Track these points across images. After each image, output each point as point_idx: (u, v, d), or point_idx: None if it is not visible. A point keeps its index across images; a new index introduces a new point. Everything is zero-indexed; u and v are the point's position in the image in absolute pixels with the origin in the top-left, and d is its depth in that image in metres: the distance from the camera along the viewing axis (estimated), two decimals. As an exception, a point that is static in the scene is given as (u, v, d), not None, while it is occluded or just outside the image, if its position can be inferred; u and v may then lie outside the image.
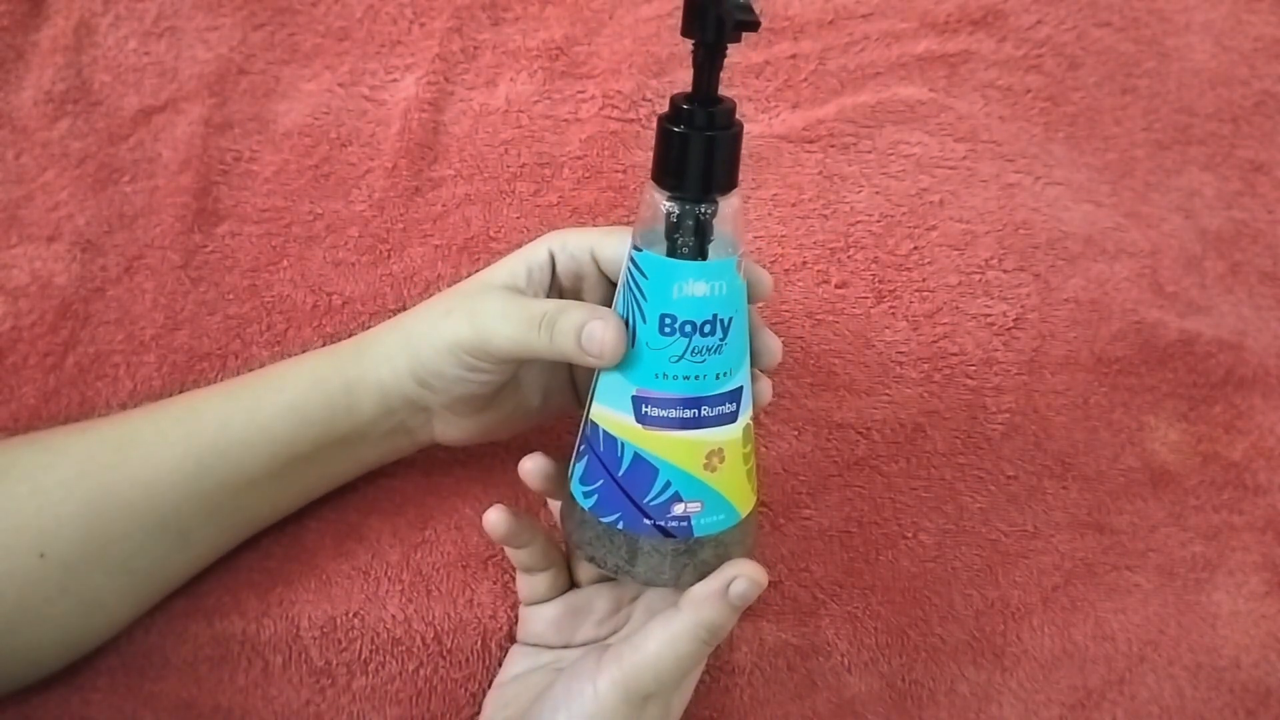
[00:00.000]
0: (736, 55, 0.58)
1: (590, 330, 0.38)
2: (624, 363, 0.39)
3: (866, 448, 0.54)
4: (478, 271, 0.54)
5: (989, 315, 0.56)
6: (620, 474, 0.39)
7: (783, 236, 0.56)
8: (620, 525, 0.40)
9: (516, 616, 0.50)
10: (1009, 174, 0.58)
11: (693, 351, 0.38)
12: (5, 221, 0.51)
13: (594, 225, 0.55)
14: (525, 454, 0.43)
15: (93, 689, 0.46)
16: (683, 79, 0.58)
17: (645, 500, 0.39)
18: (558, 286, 0.44)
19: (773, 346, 0.42)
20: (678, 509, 0.39)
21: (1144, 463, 0.56)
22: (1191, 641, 0.53)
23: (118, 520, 0.42)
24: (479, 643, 0.50)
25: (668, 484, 0.39)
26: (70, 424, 0.48)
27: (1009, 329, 0.56)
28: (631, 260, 0.39)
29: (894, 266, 0.56)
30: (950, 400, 0.55)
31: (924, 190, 0.58)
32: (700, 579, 0.40)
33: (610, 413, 0.40)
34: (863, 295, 0.56)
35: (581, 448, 0.41)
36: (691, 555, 0.40)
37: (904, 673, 0.52)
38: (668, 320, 0.38)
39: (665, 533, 0.40)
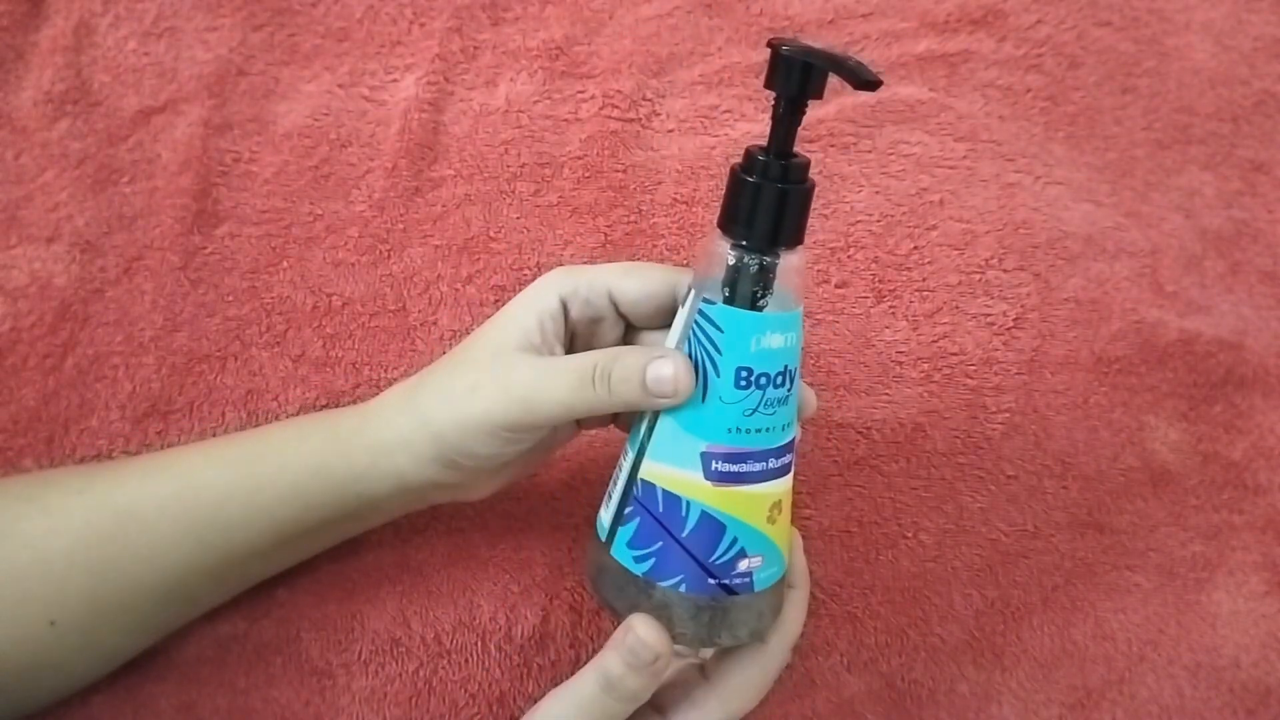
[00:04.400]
0: (737, 55, 0.58)
1: (657, 371, 0.37)
2: (689, 419, 0.38)
3: (866, 448, 0.54)
4: (477, 271, 0.54)
5: (989, 315, 0.56)
6: (684, 534, 0.38)
7: (782, 236, 0.56)
8: (682, 588, 0.38)
9: (515, 617, 0.50)
10: (1009, 174, 0.58)
11: (765, 404, 0.38)
12: (5, 222, 0.51)
13: (594, 224, 0.55)
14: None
15: (93, 690, 0.46)
16: (683, 79, 0.58)
17: (711, 559, 0.38)
18: (571, 331, 0.42)
19: (809, 399, 0.42)
20: (742, 565, 0.38)
21: (1144, 463, 0.56)
22: (1191, 641, 0.53)
23: (125, 590, 0.42)
24: (479, 643, 0.50)
25: (734, 540, 0.38)
26: (64, 472, 0.48)
27: (1009, 329, 0.56)
28: (703, 315, 0.38)
29: (894, 266, 0.56)
30: (950, 400, 0.55)
31: (924, 190, 0.58)
32: (752, 634, 0.40)
33: (671, 471, 0.38)
34: (863, 295, 0.56)
35: (628, 510, 0.40)
36: (751, 608, 0.39)
37: (903, 672, 0.52)
38: (744, 374, 0.37)
39: (729, 590, 0.38)
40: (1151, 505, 0.55)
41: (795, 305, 0.38)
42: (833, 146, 0.57)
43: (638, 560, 0.39)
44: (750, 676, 0.41)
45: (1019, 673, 0.52)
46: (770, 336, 0.37)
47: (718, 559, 0.38)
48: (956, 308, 0.56)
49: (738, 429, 0.38)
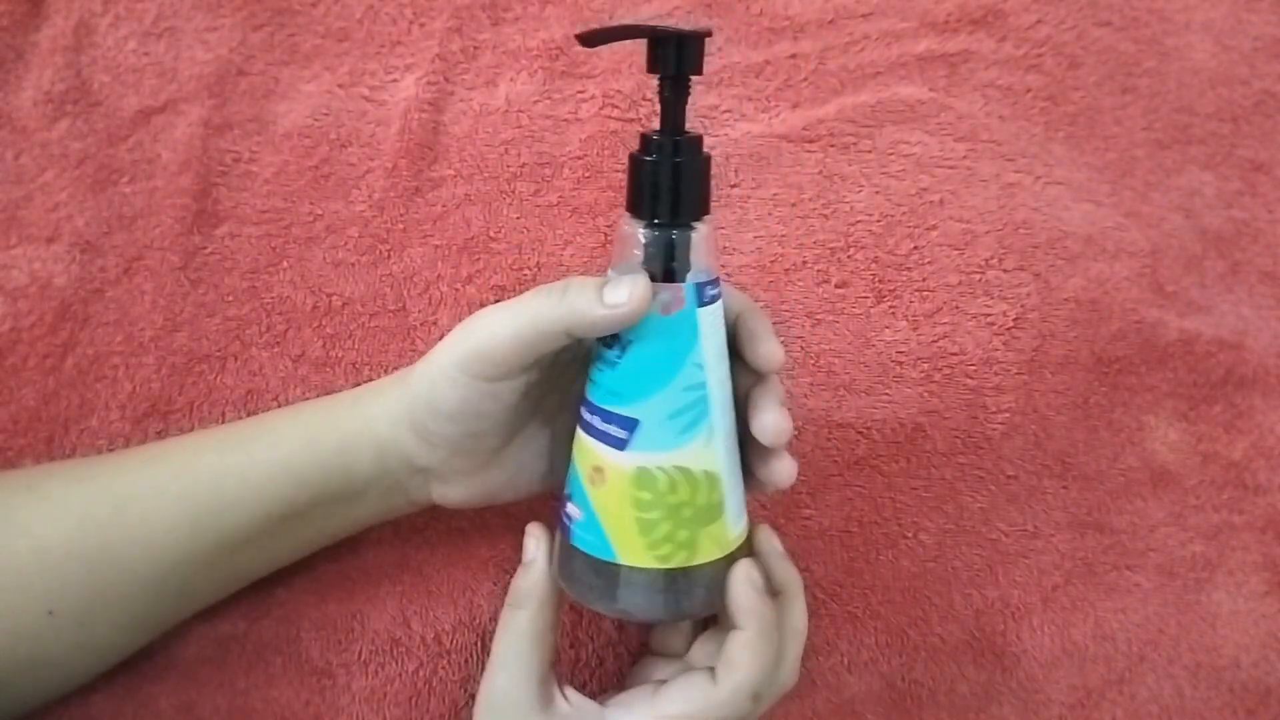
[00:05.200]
0: (737, 55, 0.58)
1: (614, 284, 0.38)
2: None
3: (866, 448, 0.54)
4: (477, 271, 0.54)
5: (989, 315, 0.56)
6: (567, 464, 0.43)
7: (783, 236, 0.56)
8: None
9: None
10: (1009, 174, 0.58)
11: (598, 358, 0.41)
12: (4, 222, 0.51)
13: (594, 224, 0.55)
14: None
15: (92, 690, 0.46)
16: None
17: (562, 490, 0.43)
18: None
19: (775, 423, 0.41)
20: (569, 508, 0.42)
21: (1144, 463, 0.56)
22: (1191, 641, 0.54)
23: (120, 580, 0.42)
24: (479, 643, 0.50)
25: (570, 480, 0.42)
26: (65, 463, 0.48)
27: (1009, 329, 0.56)
28: None
29: (894, 266, 0.56)
30: (950, 400, 0.55)
31: (924, 190, 0.58)
32: (575, 591, 0.42)
33: None
34: (863, 295, 0.56)
35: None
36: (572, 560, 0.42)
37: (904, 673, 0.52)
38: None
39: (561, 523, 0.43)
40: (1151, 505, 0.55)
41: (648, 274, 0.39)
42: (833, 146, 0.57)
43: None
44: (691, 712, 0.41)
45: (1019, 673, 0.52)
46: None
47: (564, 491, 0.43)
48: (956, 308, 0.56)
49: (589, 378, 0.41)
